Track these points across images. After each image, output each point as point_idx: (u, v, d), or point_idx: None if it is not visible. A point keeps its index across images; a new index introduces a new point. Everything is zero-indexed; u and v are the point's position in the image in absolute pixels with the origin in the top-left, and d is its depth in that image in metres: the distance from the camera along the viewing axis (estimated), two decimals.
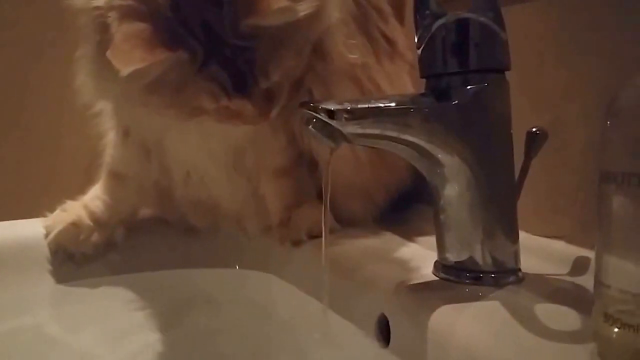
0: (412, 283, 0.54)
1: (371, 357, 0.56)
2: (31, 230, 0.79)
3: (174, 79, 0.56)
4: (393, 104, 0.50)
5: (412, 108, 0.50)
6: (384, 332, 0.55)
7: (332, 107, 0.48)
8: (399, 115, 0.50)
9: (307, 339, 0.61)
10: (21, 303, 0.73)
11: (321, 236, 0.63)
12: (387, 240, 0.71)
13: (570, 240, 0.60)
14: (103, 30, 0.56)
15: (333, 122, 0.48)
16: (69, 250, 0.77)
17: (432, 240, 0.56)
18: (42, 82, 1.04)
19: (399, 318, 0.53)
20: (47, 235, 0.78)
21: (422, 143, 0.50)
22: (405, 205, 0.83)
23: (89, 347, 0.68)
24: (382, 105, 0.50)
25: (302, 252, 0.71)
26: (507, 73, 0.52)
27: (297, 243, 0.72)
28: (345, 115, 0.48)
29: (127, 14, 0.54)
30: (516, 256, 0.54)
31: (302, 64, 0.64)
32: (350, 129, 0.48)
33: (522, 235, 0.54)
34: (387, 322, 0.55)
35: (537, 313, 0.46)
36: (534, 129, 0.55)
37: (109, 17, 0.55)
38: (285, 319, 0.68)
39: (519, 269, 0.54)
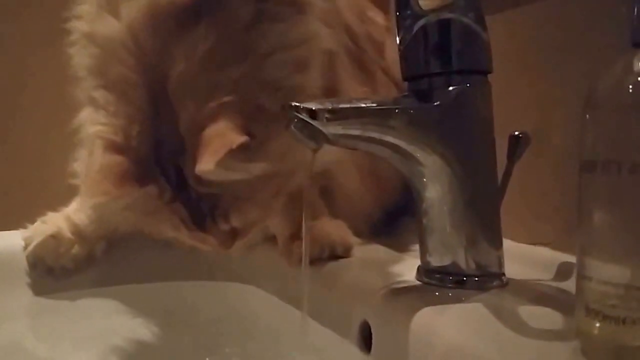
0: (394, 288, 0.53)
1: None
2: (10, 242, 0.77)
3: (141, 208, 0.60)
4: (375, 105, 0.50)
5: (393, 109, 0.50)
6: (366, 339, 0.54)
7: (313, 106, 0.48)
8: (380, 116, 0.49)
9: (288, 348, 0.59)
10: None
11: (343, 256, 0.66)
12: (370, 249, 0.70)
13: (554, 247, 0.60)
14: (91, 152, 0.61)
15: (314, 122, 0.48)
16: (48, 263, 0.76)
17: (417, 250, 0.56)
18: (29, 95, 1.03)
19: (380, 323, 0.52)
20: (25, 247, 0.76)
21: (403, 145, 0.50)
22: (392, 218, 0.83)
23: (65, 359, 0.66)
24: (363, 105, 0.49)
25: (282, 263, 0.70)
26: (490, 78, 0.52)
27: (313, 261, 0.63)
28: (327, 115, 0.48)
29: (110, 146, 0.57)
30: (500, 261, 0.53)
31: (269, 215, 0.65)
32: (331, 129, 0.48)
33: (506, 243, 0.54)
34: (370, 328, 0.54)
35: (521, 314, 0.45)
36: (516, 133, 0.55)
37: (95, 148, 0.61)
38: (267, 330, 0.67)
39: (503, 274, 0.53)
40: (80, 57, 0.62)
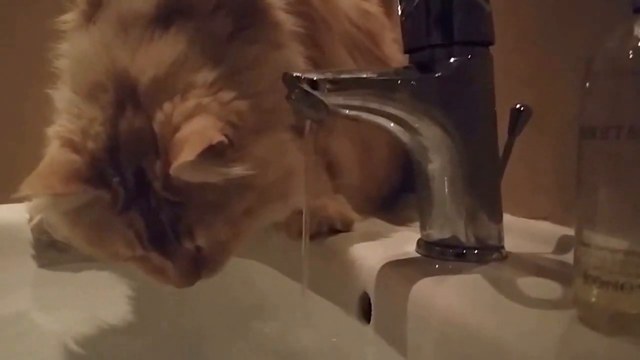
0: (394, 260, 0.53)
1: (352, 335, 0.55)
2: (15, 214, 0.78)
3: (93, 217, 0.55)
4: (376, 76, 0.50)
5: (395, 79, 0.49)
6: (366, 311, 0.55)
7: (314, 77, 0.48)
8: (381, 87, 0.49)
9: (289, 320, 0.60)
10: (3, 287, 0.72)
11: (342, 230, 0.66)
12: (370, 224, 0.70)
13: (554, 221, 0.60)
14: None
15: (316, 93, 0.48)
16: (51, 236, 0.76)
17: (417, 225, 0.56)
18: None
19: (380, 294, 0.52)
20: (30, 220, 0.77)
21: (404, 116, 0.50)
22: (393, 195, 0.83)
23: (69, 330, 0.67)
24: (365, 76, 0.50)
25: (283, 237, 0.70)
26: (491, 51, 0.51)
27: (313, 236, 0.64)
28: (328, 86, 0.48)
29: (66, 144, 0.55)
30: (500, 234, 0.53)
31: (238, 238, 0.59)
32: (332, 99, 0.48)
33: (506, 217, 0.54)
34: (369, 300, 0.54)
35: (519, 285, 0.45)
36: (517, 106, 0.55)
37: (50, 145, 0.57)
38: (269, 302, 0.67)
39: (502, 247, 0.53)
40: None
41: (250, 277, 0.72)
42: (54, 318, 0.71)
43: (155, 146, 0.53)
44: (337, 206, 0.69)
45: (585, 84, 0.36)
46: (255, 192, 0.56)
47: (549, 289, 0.44)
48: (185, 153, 0.49)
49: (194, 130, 0.52)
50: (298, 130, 0.61)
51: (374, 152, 0.79)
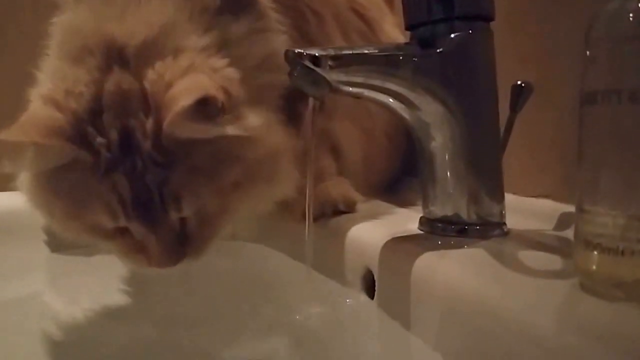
0: (396, 237, 0.54)
1: (357, 311, 0.55)
2: None
3: (73, 182, 0.52)
4: (377, 52, 0.50)
5: (396, 55, 0.50)
6: (369, 287, 0.55)
7: (316, 53, 0.48)
8: (383, 63, 0.49)
9: (295, 299, 0.60)
10: (17, 271, 0.73)
11: (345, 212, 0.66)
12: (373, 205, 0.71)
13: (556, 198, 0.60)
14: None
15: (318, 69, 0.48)
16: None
17: (420, 206, 0.56)
18: None
19: (383, 270, 0.53)
20: None
21: (405, 92, 0.50)
22: (396, 178, 0.83)
23: (81, 312, 0.67)
24: (367, 52, 0.50)
25: (288, 221, 0.70)
26: (492, 27, 0.52)
27: (317, 218, 0.62)
28: (330, 62, 0.48)
29: (49, 102, 0.53)
30: (502, 211, 0.54)
31: (221, 207, 0.56)
32: (334, 76, 0.48)
33: (508, 196, 0.54)
34: (373, 276, 0.54)
35: (521, 258, 0.46)
36: (519, 82, 0.55)
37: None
38: (275, 283, 0.68)
39: (504, 223, 0.53)
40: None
41: (258, 260, 0.73)
42: (66, 300, 0.71)
43: (145, 105, 0.52)
44: (340, 188, 0.69)
45: (586, 52, 0.36)
46: (243, 165, 0.55)
47: (551, 261, 0.44)
48: (181, 104, 0.48)
49: (188, 85, 0.51)
50: (288, 115, 0.62)
51: (375, 140, 0.80)
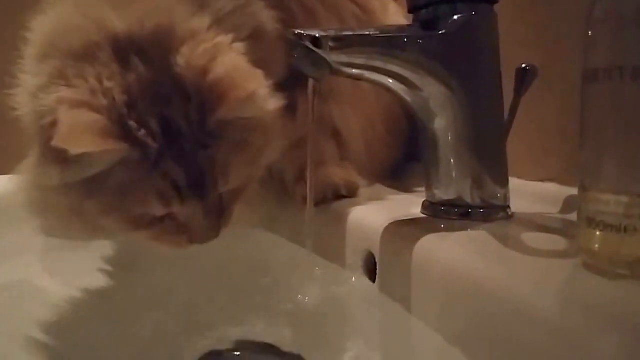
0: (399, 220, 0.53)
1: (359, 295, 0.55)
2: None
3: (120, 179, 0.51)
4: (379, 33, 0.50)
5: (398, 37, 0.49)
6: (371, 271, 0.55)
7: (317, 34, 0.47)
8: (385, 44, 0.49)
9: (297, 284, 0.60)
10: (11, 255, 0.73)
11: (347, 196, 0.66)
12: (376, 190, 0.70)
13: (561, 182, 0.60)
14: (49, 135, 0.49)
15: (318, 51, 0.47)
16: None
17: (423, 192, 0.56)
18: None
19: (385, 253, 0.52)
20: None
21: (408, 74, 0.50)
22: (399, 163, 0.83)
23: (75, 296, 0.67)
24: (368, 33, 0.49)
25: (289, 206, 0.70)
26: (496, 9, 0.51)
27: (318, 202, 0.64)
28: (331, 43, 0.47)
29: (78, 106, 0.50)
30: (506, 194, 0.53)
31: (253, 175, 0.60)
32: (335, 57, 0.48)
33: (513, 180, 0.54)
34: (374, 260, 0.54)
35: (525, 240, 0.45)
36: (523, 65, 0.54)
37: (58, 112, 0.50)
38: (277, 268, 0.68)
39: (508, 206, 0.53)
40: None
41: (258, 245, 0.73)
42: (60, 284, 0.71)
43: (181, 90, 0.52)
44: (342, 173, 0.69)
45: (588, 32, 0.36)
46: (262, 130, 0.57)
47: (554, 242, 0.44)
48: (240, 90, 0.51)
49: (229, 67, 0.52)
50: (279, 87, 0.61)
51: (377, 126, 0.79)
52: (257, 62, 0.56)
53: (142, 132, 0.50)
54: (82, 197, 0.53)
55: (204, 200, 0.54)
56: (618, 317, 0.32)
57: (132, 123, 0.50)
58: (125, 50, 0.52)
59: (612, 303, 0.33)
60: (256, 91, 0.54)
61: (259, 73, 0.54)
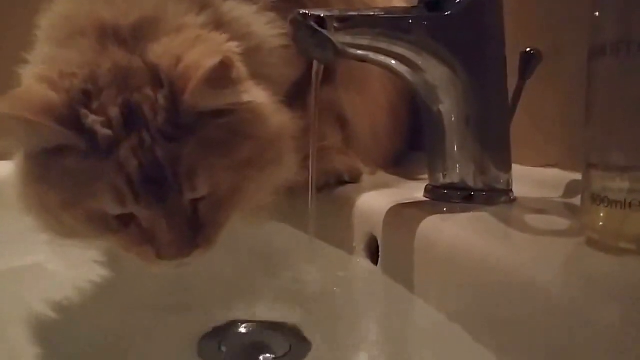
0: (401, 204, 0.53)
1: (362, 277, 0.55)
2: None
3: (68, 166, 0.48)
4: (384, 14, 0.50)
5: (403, 18, 0.49)
6: (373, 254, 0.55)
7: (322, 13, 0.47)
8: (390, 25, 0.49)
9: (300, 268, 0.60)
10: (22, 239, 0.72)
11: (350, 182, 0.66)
12: (379, 176, 0.71)
13: (563, 167, 0.60)
14: None
15: (323, 31, 0.47)
16: None
17: (426, 178, 0.56)
18: None
19: (387, 235, 0.52)
20: None
21: (412, 56, 0.50)
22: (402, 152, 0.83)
23: (86, 280, 0.67)
24: (373, 13, 0.49)
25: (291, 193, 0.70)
26: None
27: (321, 188, 0.62)
28: (336, 24, 0.47)
29: (42, 79, 0.50)
30: (509, 178, 0.53)
31: (235, 185, 0.52)
32: (340, 38, 0.48)
33: (515, 166, 0.54)
34: (377, 243, 0.54)
35: (527, 220, 0.45)
36: (528, 50, 0.54)
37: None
38: (281, 254, 0.67)
39: (511, 190, 0.53)
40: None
41: (262, 231, 0.72)
42: (70, 268, 0.71)
43: (153, 78, 0.50)
44: (345, 159, 0.69)
45: (595, 13, 0.36)
46: (255, 143, 0.53)
47: (557, 223, 0.44)
48: (201, 70, 0.47)
49: (201, 54, 0.49)
50: (291, 102, 0.61)
51: (381, 112, 0.79)
52: (262, 77, 0.56)
53: (93, 118, 0.48)
54: (46, 185, 0.51)
55: (165, 202, 0.48)
56: (620, 291, 0.32)
57: (84, 110, 0.48)
58: (105, 38, 0.52)
59: (615, 278, 0.33)
60: (230, 76, 0.49)
61: (240, 64, 0.51)
